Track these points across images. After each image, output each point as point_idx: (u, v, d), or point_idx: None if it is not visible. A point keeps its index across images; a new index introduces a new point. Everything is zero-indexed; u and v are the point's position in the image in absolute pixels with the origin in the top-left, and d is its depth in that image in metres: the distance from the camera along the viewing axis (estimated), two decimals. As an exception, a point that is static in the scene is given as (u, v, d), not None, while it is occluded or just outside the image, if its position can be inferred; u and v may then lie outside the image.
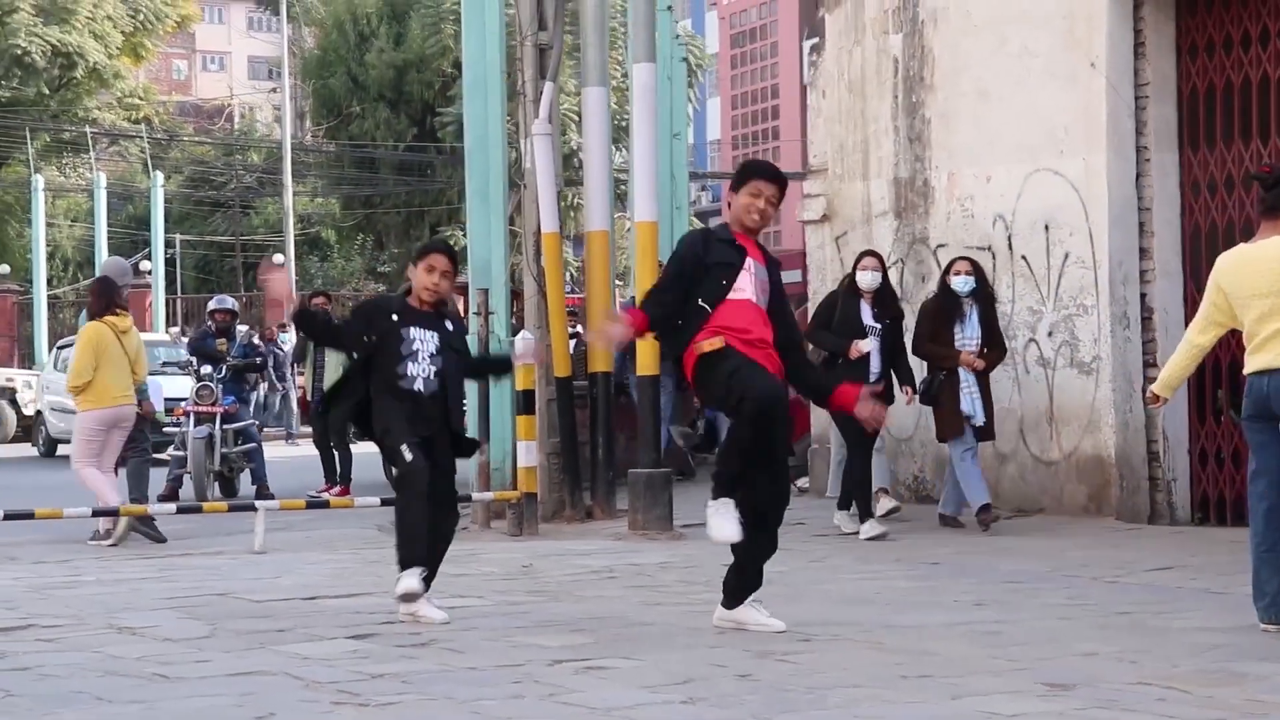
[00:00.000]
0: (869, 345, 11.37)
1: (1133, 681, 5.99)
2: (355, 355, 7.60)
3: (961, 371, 11.49)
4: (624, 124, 22.99)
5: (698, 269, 6.97)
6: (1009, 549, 10.49)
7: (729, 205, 7.19)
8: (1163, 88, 11.93)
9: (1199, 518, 11.77)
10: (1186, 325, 11.82)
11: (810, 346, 11.51)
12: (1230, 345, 11.61)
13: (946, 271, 11.74)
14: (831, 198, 14.02)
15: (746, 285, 6.97)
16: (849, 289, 11.56)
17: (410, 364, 7.41)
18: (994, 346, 11.67)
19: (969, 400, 11.48)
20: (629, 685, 5.95)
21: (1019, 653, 6.61)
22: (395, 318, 7.43)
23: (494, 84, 13.76)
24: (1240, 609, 7.72)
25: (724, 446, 7.16)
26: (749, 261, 7.01)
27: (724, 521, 6.86)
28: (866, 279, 11.48)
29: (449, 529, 7.64)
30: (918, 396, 11.64)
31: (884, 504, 11.82)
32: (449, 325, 7.59)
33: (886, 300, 11.62)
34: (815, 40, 15.35)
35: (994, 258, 12.64)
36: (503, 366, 8.71)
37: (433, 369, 7.44)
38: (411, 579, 7.30)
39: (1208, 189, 11.86)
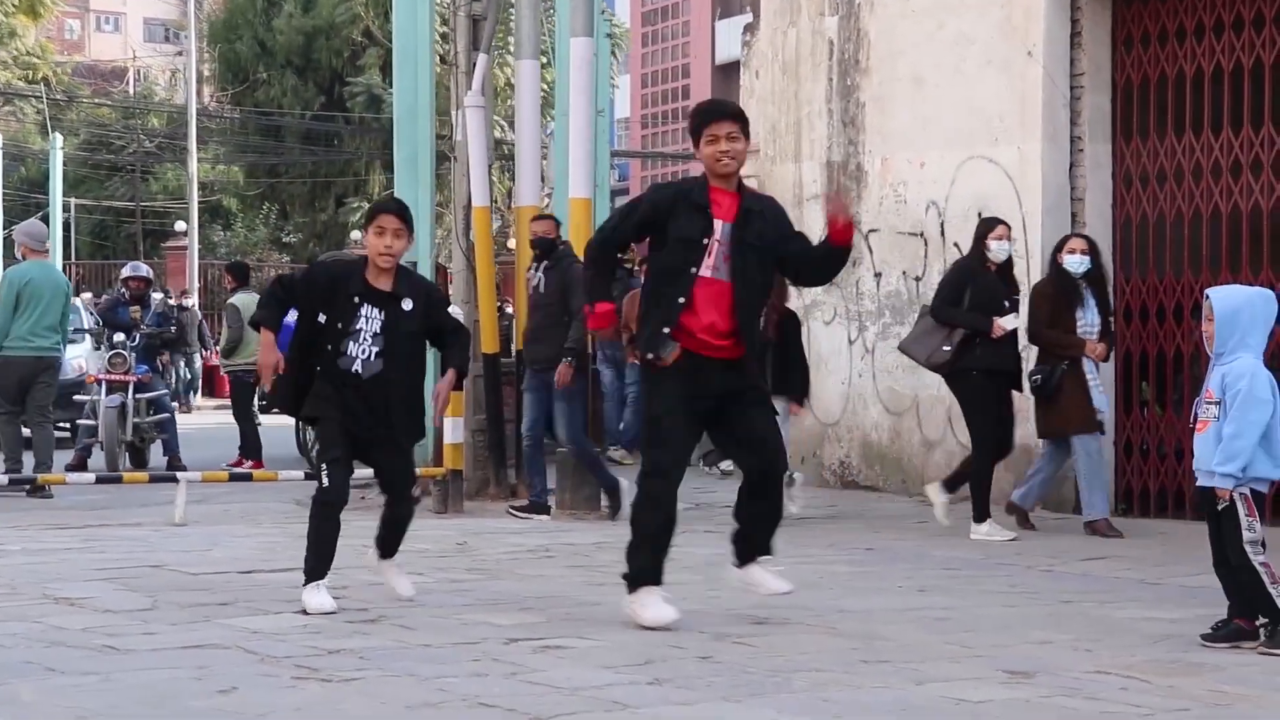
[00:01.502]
0: (1013, 321, 10.38)
1: (1091, 670, 5.99)
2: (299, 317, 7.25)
3: (1086, 362, 10.45)
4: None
5: (658, 230, 6.78)
6: (939, 536, 10.50)
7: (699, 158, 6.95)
8: (1098, 78, 11.98)
9: (1122, 508, 11.83)
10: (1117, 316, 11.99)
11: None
12: (1158, 337, 11.76)
13: (1058, 249, 10.66)
14: (763, 179, 13.95)
15: (713, 264, 6.74)
16: (979, 262, 10.52)
17: (351, 342, 7.05)
18: (1108, 332, 10.71)
19: (1097, 393, 10.51)
20: (590, 665, 5.88)
21: (971, 639, 6.60)
22: (356, 299, 7.07)
23: (424, 55, 13.62)
24: (1180, 599, 7.77)
25: (631, 538, 6.85)
26: (717, 228, 6.73)
27: (654, 611, 6.67)
28: (1004, 250, 10.48)
29: (402, 515, 7.40)
30: (1031, 387, 10.60)
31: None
32: (406, 305, 7.14)
33: (1009, 274, 10.65)
34: (749, 19, 15.24)
35: (926, 244, 12.65)
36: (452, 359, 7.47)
37: (374, 350, 7.08)
38: (317, 595, 7.00)
39: (1140, 181, 11.92)
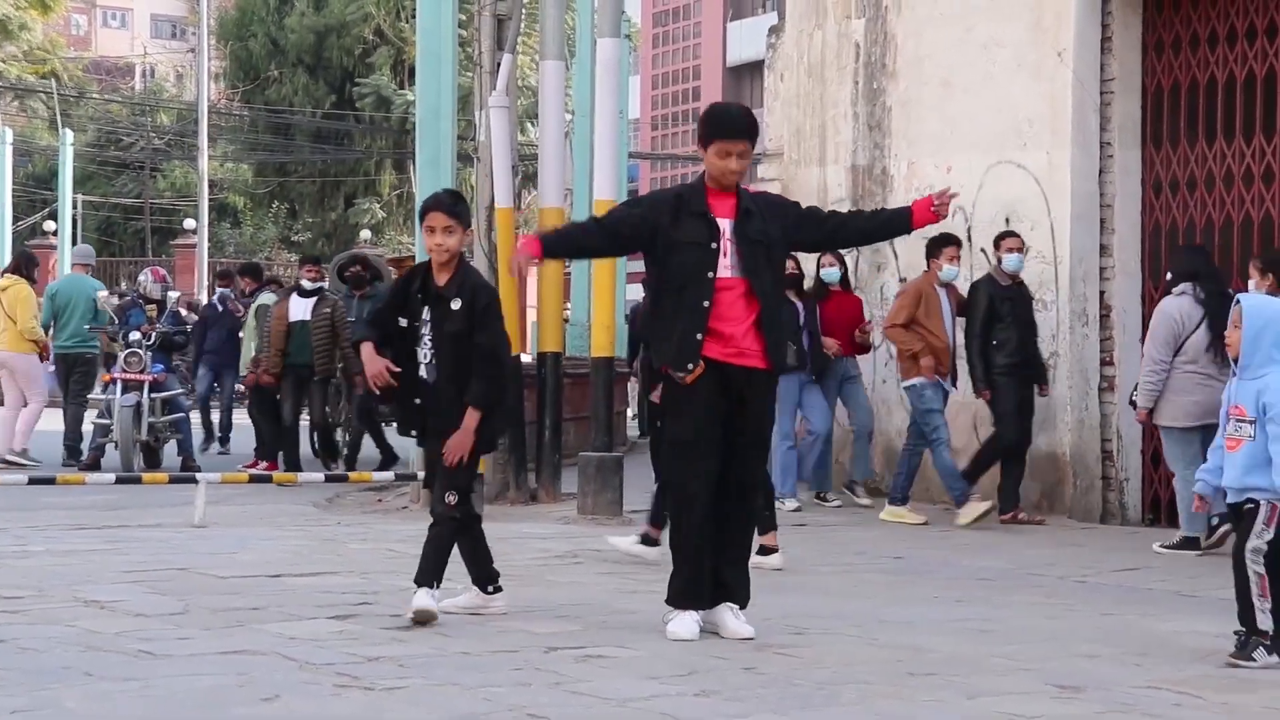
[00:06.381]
0: None
1: (1142, 685, 5.89)
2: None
3: None
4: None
5: (663, 236, 6.63)
6: (967, 545, 10.41)
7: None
8: (1128, 83, 11.88)
9: (1149, 519, 11.75)
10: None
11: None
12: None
13: None
14: (786, 182, 13.84)
15: (729, 263, 6.62)
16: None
17: (419, 349, 6.72)
18: None
19: None
20: (634, 675, 5.78)
21: (1017, 652, 6.50)
22: (419, 296, 6.74)
23: (447, 54, 13.48)
24: (1220, 612, 7.64)
25: (674, 558, 6.72)
26: (723, 226, 6.63)
27: (676, 623, 6.59)
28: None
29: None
30: None
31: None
32: (454, 304, 6.66)
33: None
34: (761, 20, 15.13)
35: (952, 249, 12.50)
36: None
37: (433, 352, 6.70)
38: (419, 596, 6.72)
39: (1169, 187, 11.82)
